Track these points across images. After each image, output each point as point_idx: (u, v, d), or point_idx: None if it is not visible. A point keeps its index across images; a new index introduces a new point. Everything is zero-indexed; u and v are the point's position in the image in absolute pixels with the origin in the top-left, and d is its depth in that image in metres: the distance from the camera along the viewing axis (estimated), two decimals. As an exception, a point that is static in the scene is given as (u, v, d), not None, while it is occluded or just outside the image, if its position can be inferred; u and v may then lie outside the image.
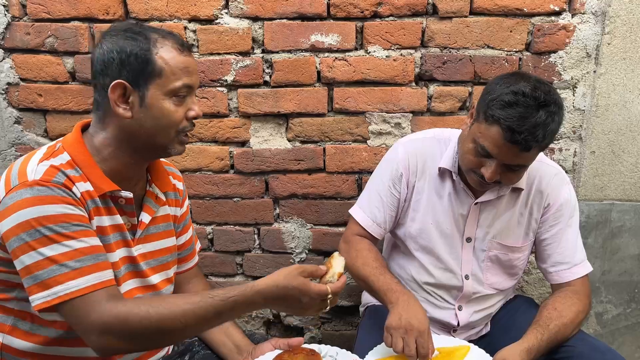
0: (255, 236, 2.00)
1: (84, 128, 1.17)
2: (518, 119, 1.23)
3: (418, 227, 1.51)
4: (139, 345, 1.07)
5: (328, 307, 1.11)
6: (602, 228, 1.89)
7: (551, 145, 1.84)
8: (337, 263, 1.14)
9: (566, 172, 1.85)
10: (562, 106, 1.30)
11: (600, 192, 1.86)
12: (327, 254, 2.00)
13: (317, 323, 2.11)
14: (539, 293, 2.00)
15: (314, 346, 1.34)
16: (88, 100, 1.84)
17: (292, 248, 2.00)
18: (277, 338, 1.35)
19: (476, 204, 1.47)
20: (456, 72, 1.78)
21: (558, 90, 1.76)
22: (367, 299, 1.72)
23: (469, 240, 1.50)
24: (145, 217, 1.22)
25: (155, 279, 1.25)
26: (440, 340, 1.40)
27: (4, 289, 1.13)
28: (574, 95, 1.79)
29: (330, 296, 1.08)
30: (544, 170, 1.48)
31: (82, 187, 1.08)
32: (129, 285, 1.19)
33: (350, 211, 1.59)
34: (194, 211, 1.97)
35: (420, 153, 1.51)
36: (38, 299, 0.99)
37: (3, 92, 1.85)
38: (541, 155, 1.50)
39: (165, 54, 1.07)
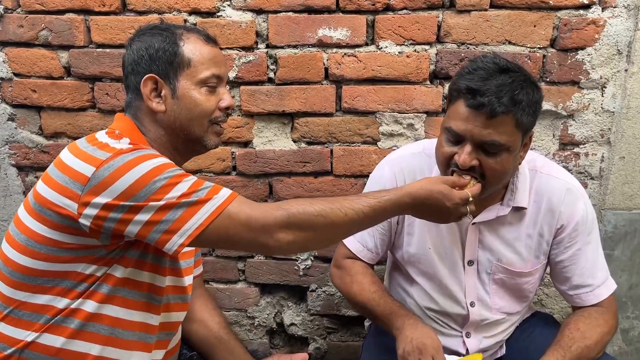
0: (259, 241, 1.90)
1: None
2: (479, 80, 1.14)
3: (415, 252, 1.39)
4: (314, 236, 1.02)
5: (468, 213, 1.13)
6: (631, 239, 1.76)
7: (576, 150, 1.71)
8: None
9: (592, 178, 1.72)
10: (534, 84, 1.19)
11: (629, 200, 1.72)
12: (334, 261, 1.89)
13: (322, 333, 2.00)
14: (560, 307, 1.87)
15: None
16: (84, 97, 1.76)
17: (296, 255, 1.89)
18: (279, 354, 1.28)
19: (474, 224, 1.33)
20: (474, 70, 1.65)
21: (585, 90, 1.64)
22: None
23: (470, 263, 1.36)
24: None
25: (187, 280, 1.22)
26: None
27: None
28: (602, 96, 1.65)
29: (471, 199, 1.11)
30: (553, 185, 1.32)
31: None
32: (167, 282, 1.14)
33: None
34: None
35: (408, 171, 1.37)
36: (186, 231, 0.95)
37: (-4, 87, 1.77)
38: (550, 166, 1.35)
39: (191, 45, 1.11)
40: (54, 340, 1.03)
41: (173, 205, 0.94)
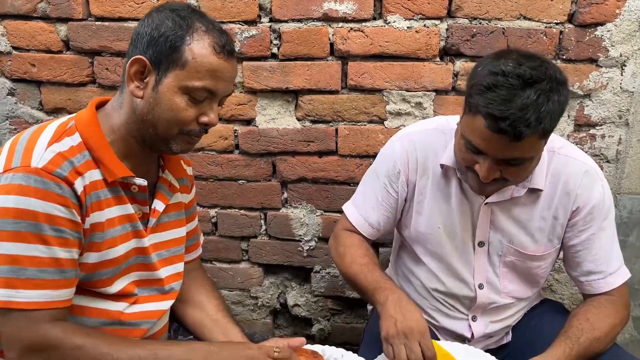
0: (262, 221, 1.86)
1: (99, 105, 1.09)
2: (500, 104, 1.02)
3: (424, 231, 1.34)
4: None
5: None
6: (647, 225, 1.69)
7: (592, 132, 1.63)
8: None
9: (608, 161, 1.65)
10: (561, 81, 1.06)
11: (646, 185, 1.65)
12: (338, 242, 1.85)
13: (326, 315, 1.98)
14: (570, 293, 1.82)
15: (317, 347, 1.22)
16: (83, 72, 1.71)
17: (300, 235, 1.86)
18: (277, 338, 1.23)
19: (486, 204, 1.27)
20: (486, 47, 1.57)
21: (603, 69, 1.55)
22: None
23: (481, 244, 1.31)
24: (159, 205, 1.14)
25: (163, 272, 1.16)
26: (449, 348, 1.25)
27: None
28: (622, 75, 1.56)
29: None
30: (572, 167, 1.25)
31: (89, 177, 0.99)
32: (131, 277, 1.10)
33: (344, 207, 1.44)
34: (196, 193, 1.84)
35: (420, 148, 1.31)
36: None
37: (-5, 61, 1.74)
38: (568, 147, 1.28)
39: (197, 48, 0.99)
40: None
41: (1, 259, 0.90)
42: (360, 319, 1.97)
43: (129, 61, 1.01)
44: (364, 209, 1.38)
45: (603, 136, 1.63)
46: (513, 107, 1.01)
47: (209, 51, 0.99)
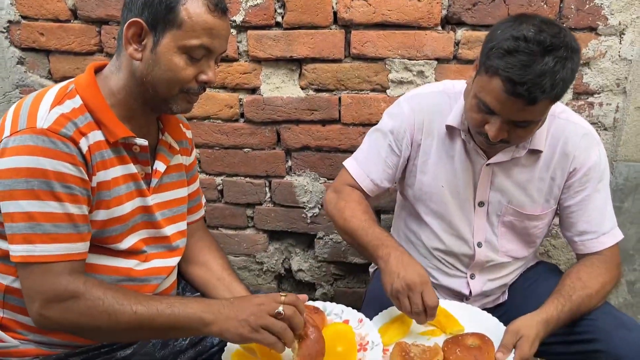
0: (267, 189, 1.91)
1: (97, 70, 1.12)
2: (520, 68, 1.06)
3: (428, 190, 1.39)
4: (78, 328, 1.01)
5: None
6: (642, 192, 1.73)
7: (590, 100, 1.66)
8: None
9: (606, 129, 1.69)
10: (576, 49, 1.10)
11: (642, 152, 1.69)
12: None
13: (329, 279, 2.04)
14: (566, 258, 1.87)
15: (319, 304, 1.28)
16: (91, 41, 1.75)
17: (304, 202, 1.91)
18: (280, 293, 1.29)
19: (488, 165, 1.32)
20: (488, 15, 1.60)
21: (602, 37, 1.58)
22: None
23: (481, 204, 1.37)
24: (160, 166, 1.18)
25: (169, 230, 1.21)
26: (447, 306, 1.31)
27: None
28: (620, 43, 1.59)
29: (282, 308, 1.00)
30: (571, 130, 1.30)
31: (92, 137, 1.03)
32: (140, 235, 1.15)
33: (345, 163, 1.46)
34: (203, 161, 1.89)
35: (427, 109, 1.36)
36: (17, 251, 0.96)
37: (4, 30, 1.77)
38: (568, 112, 1.33)
39: (192, 7, 1.01)
40: None
41: (16, 218, 0.95)
42: (362, 283, 2.03)
43: (125, 25, 1.02)
44: (366, 164, 1.41)
45: (601, 104, 1.67)
46: (531, 73, 1.06)
47: (204, 10, 1.02)
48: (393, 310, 1.30)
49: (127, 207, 1.10)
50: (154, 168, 1.17)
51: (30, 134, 0.96)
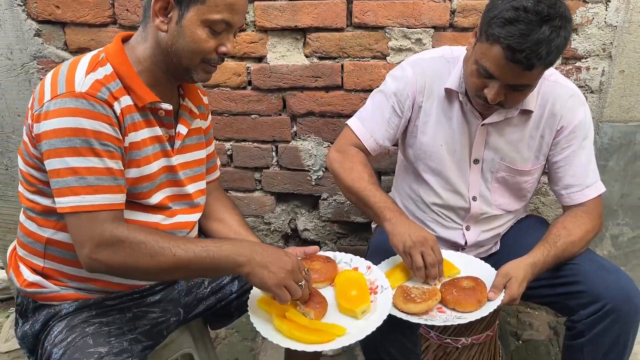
0: (273, 153, 2.02)
1: (124, 39, 1.21)
2: (519, 37, 1.17)
3: (427, 149, 1.50)
4: (124, 270, 1.11)
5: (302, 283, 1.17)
6: (625, 151, 1.85)
7: (578, 64, 1.77)
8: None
9: (592, 92, 1.79)
10: (569, 19, 1.22)
11: (626, 113, 1.80)
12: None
13: (333, 238, 2.17)
14: (554, 215, 2.00)
15: (329, 253, 1.39)
16: (105, 13, 1.83)
17: (309, 166, 2.02)
18: (293, 247, 1.40)
19: (483, 125, 1.44)
20: (482, -16, 1.69)
21: (589, 4, 1.67)
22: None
23: (476, 162, 1.49)
24: (182, 129, 1.27)
25: (191, 188, 1.31)
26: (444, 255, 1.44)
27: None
28: (606, 10, 1.69)
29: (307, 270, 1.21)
30: (559, 91, 1.42)
31: (124, 102, 1.13)
32: (165, 192, 1.25)
33: (348, 122, 1.56)
34: (213, 127, 1.98)
35: (428, 73, 1.47)
36: (65, 203, 1.06)
37: (22, 3, 1.84)
38: (557, 75, 1.45)
39: None
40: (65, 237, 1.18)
41: (62, 173, 1.05)
42: (363, 241, 2.16)
43: None
44: (370, 124, 1.52)
45: (588, 68, 1.77)
46: (529, 41, 1.17)
47: None
48: (394, 260, 1.43)
49: (154, 166, 1.20)
50: (177, 131, 1.26)
51: (71, 97, 1.05)
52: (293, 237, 2.21)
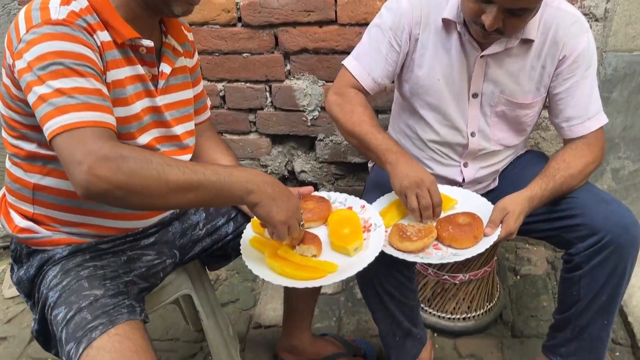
0: (267, 93, 1.97)
1: None
2: None
3: (424, 84, 1.45)
4: (128, 190, 0.94)
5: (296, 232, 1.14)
6: (629, 81, 1.80)
7: (583, -10, 1.69)
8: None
9: (596, 20, 1.72)
10: None
11: (631, 42, 1.73)
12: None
13: (330, 179, 2.15)
14: (555, 150, 1.97)
15: (323, 193, 1.38)
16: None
17: (304, 106, 1.97)
18: (289, 187, 1.38)
19: (482, 57, 1.38)
20: None
21: None
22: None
23: (475, 95, 1.44)
24: (165, 68, 1.21)
25: (178, 129, 1.27)
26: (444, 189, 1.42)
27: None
28: None
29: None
30: (561, 18, 1.35)
31: (102, 36, 1.06)
32: (152, 134, 1.20)
33: (344, 62, 1.49)
34: (203, 67, 1.93)
35: (424, 3, 1.39)
36: (54, 124, 0.95)
37: (-5, -61, 1.75)
38: (560, 0, 1.37)
39: None
40: (58, 183, 1.14)
41: (47, 97, 0.95)
42: (361, 182, 2.14)
43: None
44: (367, 63, 1.45)
45: (593, -6, 1.69)
46: None
47: None
48: (390, 196, 1.41)
49: (138, 106, 1.15)
50: (160, 70, 1.21)
51: (48, 25, 0.98)
52: (290, 179, 2.19)
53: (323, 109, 1.98)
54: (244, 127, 2.06)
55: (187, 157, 1.32)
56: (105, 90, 1.03)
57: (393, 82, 1.55)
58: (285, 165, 2.14)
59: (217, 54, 1.90)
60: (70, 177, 0.94)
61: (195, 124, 1.40)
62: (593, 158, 1.38)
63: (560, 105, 1.41)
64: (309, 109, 1.98)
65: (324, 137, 2.04)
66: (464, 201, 1.40)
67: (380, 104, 1.94)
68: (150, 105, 1.19)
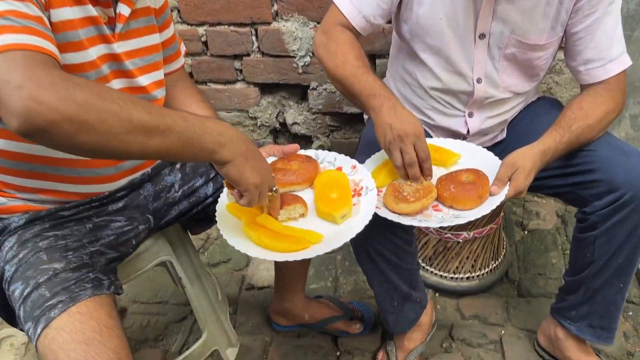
0: (253, 37, 1.80)
1: None
2: None
3: (425, 23, 1.27)
4: (78, 127, 0.75)
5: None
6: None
7: None
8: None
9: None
10: None
11: (660, -29, 1.54)
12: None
13: (325, 131, 2.00)
14: (569, 95, 1.80)
15: (311, 152, 1.24)
16: None
17: (294, 51, 1.80)
18: (271, 145, 1.24)
19: None
20: None
21: None
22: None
23: (482, 36, 1.26)
24: (124, 9, 1.04)
25: (143, 80, 1.12)
26: (435, 141, 1.28)
27: None
28: None
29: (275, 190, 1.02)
30: None
31: None
32: (113, 85, 1.06)
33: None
34: (182, 10, 1.76)
35: None
36: None
37: None
38: None
39: None
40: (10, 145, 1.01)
41: None
42: (358, 133, 2.00)
43: None
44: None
45: None
46: None
47: None
48: (384, 154, 1.27)
49: (92, 53, 0.99)
50: (117, 11, 1.04)
51: None
52: (282, 131, 2.05)
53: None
54: (229, 76, 1.89)
55: None
56: (47, 20, 0.86)
57: (390, 22, 1.37)
58: (276, 117, 1.99)
59: (196, -5, 1.72)
60: (4, 105, 0.74)
61: (166, 74, 1.25)
62: (614, 106, 1.23)
63: (579, 45, 1.24)
64: (299, 54, 1.81)
65: (317, 86, 1.88)
66: (468, 156, 1.26)
67: (377, 48, 1.76)
68: (107, 52, 1.04)
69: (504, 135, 1.44)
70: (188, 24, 1.78)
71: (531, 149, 1.17)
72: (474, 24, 1.25)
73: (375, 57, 1.79)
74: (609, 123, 1.24)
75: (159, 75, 1.18)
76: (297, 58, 1.81)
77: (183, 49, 1.33)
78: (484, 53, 1.29)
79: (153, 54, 1.16)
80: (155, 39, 1.17)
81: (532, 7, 1.21)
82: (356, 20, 1.28)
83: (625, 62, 1.24)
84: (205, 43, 1.82)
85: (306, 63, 1.82)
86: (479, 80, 1.31)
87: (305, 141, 2.05)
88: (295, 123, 1.98)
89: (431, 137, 1.41)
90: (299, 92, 1.93)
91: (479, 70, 1.30)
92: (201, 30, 1.79)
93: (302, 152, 1.22)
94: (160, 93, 1.18)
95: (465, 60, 1.30)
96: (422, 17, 1.27)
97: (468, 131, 1.38)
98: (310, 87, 1.88)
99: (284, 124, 2.01)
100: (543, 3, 1.20)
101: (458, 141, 1.31)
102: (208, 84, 1.92)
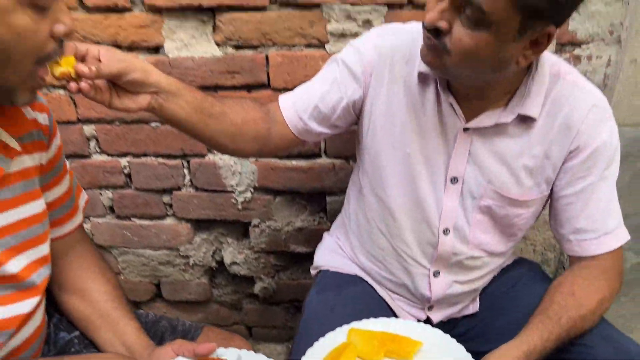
0: (185, 171, 1.55)
1: None
2: None
3: (388, 156, 1.08)
4: None
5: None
6: (633, 162, 1.46)
7: (577, 52, 1.34)
8: None
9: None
10: None
11: (637, 115, 1.39)
12: (276, 192, 1.57)
13: (269, 272, 1.73)
14: (542, 239, 1.61)
15: (232, 353, 0.95)
16: None
17: (232, 186, 1.56)
18: (181, 341, 0.96)
19: (466, 130, 1.01)
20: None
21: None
22: (319, 260, 1.33)
23: (454, 181, 1.05)
24: None
25: (13, 266, 0.85)
26: (397, 326, 1.03)
27: None
28: (617, -21, 1.26)
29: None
30: (578, 97, 0.98)
31: None
32: None
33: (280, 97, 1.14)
34: (101, 140, 1.51)
35: (398, 49, 1.05)
36: None
37: None
38: (576, 74, 1.01)
39: None
40: None
41: None
42: (307, 273, 1.71)
43: None
44: (300, 90, 1.12)
45: (590, 57, 1.34)
46: None
47: None
48: (332, 338, 1.00)
49: None
50: None
51: None
52: (220, 271, 1.76)
53: (256, 189, 1.57)
54: (157, 211, 1.63)
55: (34, 300, 0.89)
56: None
57: (329, 131, 1.13)
58: (212, 255, 1.71)
59: (117, 124, 1.48)
60: None
61: (57, 238, 0.98)
62: (610, 292, 1.01)
63: (569, 211, 1.03)
64: (238, 189, 1.57)
65: (259, 223, 1.63)
66: (432, 346, 1.00)
67: (328, 184, 1.54)
68: None
69: (476, 307, 1.20)
70: (108, 154, 1.53)
71: (513, 349, 0.93)
72: (445, 165, 1.05)
73: (325, 194, 1.57)
74: (604, 311, 1.02)
75: (40, 251, 0.91)
76: (236, 193, 1.57)
77: (83, 200, 1.07)
78: (456, 201, 1.07)
79: (34, 226, 0.89)
80: (37, 206, 0.90)
81: (514, 156, 1.01)
82: (288, 113, 1.10)
83: (622, 237, 1.04)
84: (128, 175, 1.57)
85: (247, 199, 1.58)
86: (446, 231, 1.09)
87: (247, 282, 1.77)
88: (234, 263, 1.71)
89: (396, 315, 1.17)
90: (239, 228, 1.67)
91: (447, 220, 1.08)
92: (123, 161, 1.54)
93: (221, 353, 0.94)
94: (40, 276, 0.90)
95: (434, 204, 1.08)
96: (384, 148, 1.09)
97: (430, 294, 1.14)
98: (252, 224, 1.63)
99: (221, 263, 1.73)
100: (526, 154, 1.01)
101: (422, 325, 1.06)
102: (132, 219, 1.64)
